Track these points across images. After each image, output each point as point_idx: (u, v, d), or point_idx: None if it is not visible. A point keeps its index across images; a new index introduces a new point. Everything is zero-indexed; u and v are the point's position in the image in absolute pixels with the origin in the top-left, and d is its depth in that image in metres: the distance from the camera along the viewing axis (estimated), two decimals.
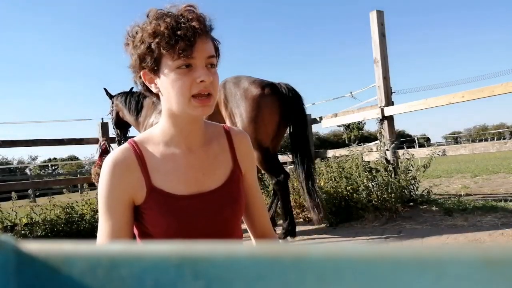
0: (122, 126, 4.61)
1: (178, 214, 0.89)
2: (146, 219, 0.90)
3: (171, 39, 0.81)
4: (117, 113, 4.47)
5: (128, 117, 4.34)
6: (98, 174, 4.54)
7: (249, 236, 1.10)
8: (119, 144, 4.68)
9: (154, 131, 0.96)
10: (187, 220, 0.89)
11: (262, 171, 3.61)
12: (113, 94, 4.62)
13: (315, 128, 6.81)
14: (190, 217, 0.90)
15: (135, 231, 0.95)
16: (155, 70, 0.87)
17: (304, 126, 3.51)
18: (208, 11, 0.89)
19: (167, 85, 0.86)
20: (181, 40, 0.81)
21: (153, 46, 0.83)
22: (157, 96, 0.93)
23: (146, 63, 0.86)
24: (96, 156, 4.88)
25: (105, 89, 4.57)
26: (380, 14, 4.55)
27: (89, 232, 4.24)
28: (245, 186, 1.04)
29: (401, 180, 3.91)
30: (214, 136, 1.00)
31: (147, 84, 0.91)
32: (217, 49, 0.91)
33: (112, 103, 4.49)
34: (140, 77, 0.91)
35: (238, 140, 1.02)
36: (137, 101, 4.25)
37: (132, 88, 4.48)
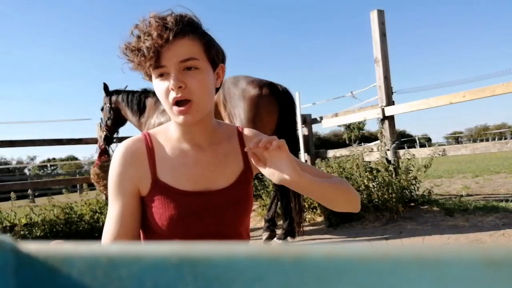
0: (120, 124, 4.61)
1: (181, 209, 0.89)
2: (149, 212, 0.91)
3: (132, 55, 0.84)
4: (118, 111, 4.45)
5: (130, 117, 4.34)
6: (97, 174, 4.58)
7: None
8: (107, 141, 4.66)
9: (169, 126, 0.97)
10: (190, 216, 0.89)
11: None
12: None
13: (315, 128, 6.81)
14: (193, 214, 0.90)
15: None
16: (150, 80, 0.91)
17: (293, 128, 3.53)
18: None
19: (156, 93, 0.89)
20: (141, 54, 0.82)
21: (130, 63, 0.87)
22: None
23: (144, 74, 0.90)
24: (95, 156, 4.87)
25: (105, 84, 4.55)
26: (381, 13, 4.55)
27: (88, 233, 4.25)
28: None
29: (402, 180, 3.90)
30: (225, 136, 1.00)
31: None
32: (207, 46, 0.87)
33: (110, 99, 4.47)
34: None
35: (249, 138, 1.01)
36: (139, 100, 4.25)
37: (126, 86, 4.48)
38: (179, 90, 0.83)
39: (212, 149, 0.96)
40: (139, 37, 0.83)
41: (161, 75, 0.85)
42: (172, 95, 0.84)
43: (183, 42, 0.84)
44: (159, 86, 0.86)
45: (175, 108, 0.85)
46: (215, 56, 0.90)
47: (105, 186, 4.50)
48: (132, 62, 0.85)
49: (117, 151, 0.92)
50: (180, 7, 0.87)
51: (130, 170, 0.89)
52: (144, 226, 0.94)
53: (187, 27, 0.85)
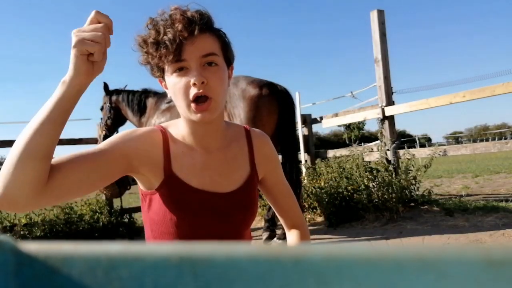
0: (119, 123, 4.61)
1: (191, 206, 0.88)
2: (158, 206, 0.89)
3: (154, 47, 0.81)
4: (118, 110, 4.45)
5: (131, 117, 4.34)
6: None
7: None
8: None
9: (178, 124, 0.94)
10: (199, 214, 0.89)
11: None
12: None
13: (315, 128, 6.81)
14: (202, 212, 0.89)
15: (146, 219, 0.95)
16: (162, 76, 0.88)
17: (292, 128, 3.53)
18: (208, 7, 0.87)
19: (170, 90, 0.86)
20: (164, 47, 0.80)
21: (147, 56, 0.84)
22: None
23: (154, 71, 0.88)
24: None
25: (105, 83, 4.54)
26: (381, 13, 4.55)
27: (88, 233, 4.25)
28: (269, 187, 1.04)
29: (402, 180, 3.90)
30: (235, 137, 0.98)
31: (165, 90, 0.92)
32: (224, 44, 0.88)
33: (110, 99, 4.47)
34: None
35: (258, 143, 1.01)
36: (139, 100, 4.25)
37: (126, 85, 4.48)
38: (201, 86, 0.81)
39: (221, 153, 0.94)
40: (157, 30, 0.81)
41: (179, 69, 0.83)
42: (193, 90, 0.81)
43: (205, 37, 0.83)
44: (177, 81, 0.83)
45: (194, 105, 0.82)
46: (230, 55, 0.91)
47: (105, 186, 4.49)
48: (151, 55, 0.83)
49: (137, 129, 0.90)
50: (195, 4, 0.85)
51: (140, 143, 0.86)
52: (152, 221, 0.93)
53: (209, 23, 0.85)
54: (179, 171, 0.89)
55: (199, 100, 0.82)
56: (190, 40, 0.81)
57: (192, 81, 0.81)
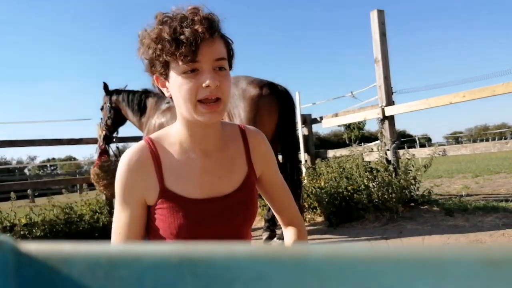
0: (119, 123, 4.61)
1: (189, 217, 0.88)
2: (157, 221, 0.89)
3: (173, 45, 0.80)
4: (118, 110, 4.45)
5: (131, 117, 4.34)
6: (97, 175, 4.58)
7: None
8: (107, 141, 4.63)
9: (171, 131, 0.94)
10: (199, 223, 0.88)
11: None
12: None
13: (315, 128, 6.81)
14: (202, 221, 0.89)
15: (146, 228, 0.95)
16: (165, 74, 0.87)
17: (293, 128, 3.53)
18: (213, 8, 0.86)
19: (175, 90, 0.85)
20: (182, 45, 0.79)
21: (158, 51, 0.83)
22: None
23: (155, 67, 0.86)
24: (95, 156, 4.87)
25: (105, 83, 4.54)
26: (380, 13, 4.55)
27: (88, 233, 4.25)
28: (265, 184, 1.04)
29: (401, 180, 3.90)
30: (231, 137, 0.98)
31: (160, 88, 0.91)
32: (230, 50, 0.89)
33: (110, 99, 4.46)
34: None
35: (254, 141, 1.01)
36: (139, 100, 4.25)
37: (126, 85, 4.48)
38: (215, 88, 0.81)
39: (219, 155, 0.94)
40: (173, 27, 0.80)
41: (191, 71, 0.82)
42: (204, 92, 0.81)
43: (219, 41, 0.84)
44: (185, 82, 0.82)
45: (203, 106, 0.82)
46: (232, 61, 0.92)
47: (105, 186, 4.50)
48: (165, 51, 0.81)
49: (122, 161, 0.90)
50: (206, 7, 0.85)
51: (136, 179, 0.88)
52: (152, 236, 0.93)
53: (220, 27, 0.86)
54: (175, 184, 0.89)
55: (206, 101, 0.82)
56: (209, 43, 0.81)
57: (207, 83, 0.80)
